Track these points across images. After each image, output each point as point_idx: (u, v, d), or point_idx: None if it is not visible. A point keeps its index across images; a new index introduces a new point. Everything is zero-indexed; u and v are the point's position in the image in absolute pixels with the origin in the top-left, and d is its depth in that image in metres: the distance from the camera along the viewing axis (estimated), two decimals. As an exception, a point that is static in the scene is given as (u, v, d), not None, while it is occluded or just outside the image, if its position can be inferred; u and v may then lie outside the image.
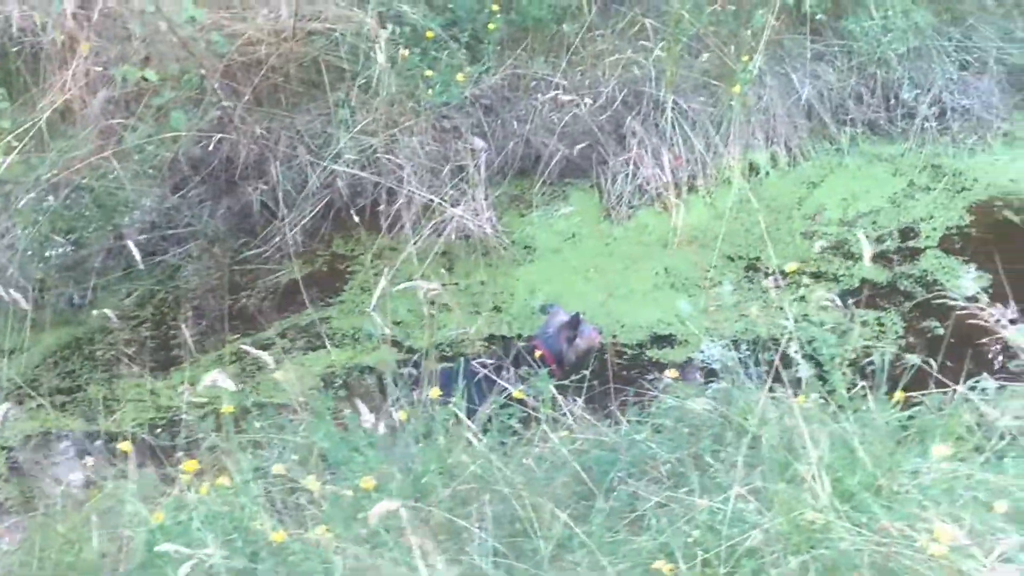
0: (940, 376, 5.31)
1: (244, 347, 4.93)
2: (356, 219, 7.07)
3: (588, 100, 7.59)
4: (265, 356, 4.69)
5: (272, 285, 7.10)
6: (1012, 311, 5.52)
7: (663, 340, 6.57)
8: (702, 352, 6.37)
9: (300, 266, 7.23)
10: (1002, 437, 4.68)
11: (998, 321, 5.59)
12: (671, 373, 5.05)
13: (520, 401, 4.97)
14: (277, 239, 7.30)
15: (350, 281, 7.14)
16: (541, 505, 4.02)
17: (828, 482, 3.76)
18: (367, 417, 4.43)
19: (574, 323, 5.96)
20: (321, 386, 6.30)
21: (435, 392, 4.65)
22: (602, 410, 5.50)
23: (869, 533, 3.64)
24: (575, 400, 5.35)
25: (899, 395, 4.93)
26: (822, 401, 4.67)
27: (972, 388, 5.25)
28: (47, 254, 6.92)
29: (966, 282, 5.53)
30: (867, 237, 7.05)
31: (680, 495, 4.10)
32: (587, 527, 3.99)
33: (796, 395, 4.64)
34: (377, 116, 7.32)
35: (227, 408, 4.74)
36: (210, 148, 7.13)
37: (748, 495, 3.89)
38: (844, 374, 4.87)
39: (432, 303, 6.51)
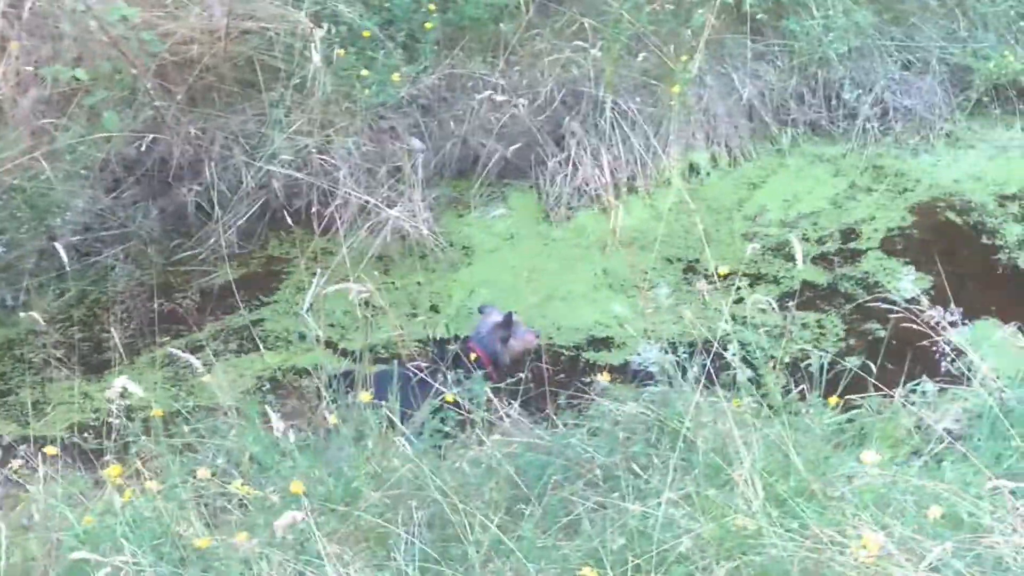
0: (879, 380, 5.32)
1: (173, 350, 4.83)
2: (290, 221, 6.97)
3: (525, 100, 7.51)
4: (194, 360, 4.61)
5: (206, 287, 6.99)
6: (953, 313, 5.51)
7: (600, 343, 6.52)
8: (638, 355, 6.30)
9: (235, 268, 7.11)
10: (940, 441, 4.67)
11: (938, 323, 5.58)
12: (604, 376, 5.00)
13: (456, 404, 4.92)
14: (212, 240, 7.18)
15: (285, 282, 7.05)
16: (472, 510, 3.95)
17: (760, 487, 3.70)
18: (278, 425, 4.36)
19: (507, 323, 5.89)
20: (255, 389, 6.22)
21: (366, 396, 4.57)
22: (539, 413, 5.47)
23: (801, 539, 3.58)
24: (511, 403, 5.30)
25: (834, 399, 4.90)
26: (757, 405, 4.64)
27: (912, 391, 5.24)
28: (-23, 255, 6.79)
29: (906, 284, 5.52)
30: (807, 239, 7.07)
31: (613, 499, 4.05)
32: (518, 532, 3.93)
33: (731, 399, 4.59)
34: (312, 116, 7.22)
35: (157, 412, 4.66)
36: (143, 149, 7.00)
37: (680, 500, 3.84)
38: (780, 377, 4.84)
39: (367, 304, 6.46)
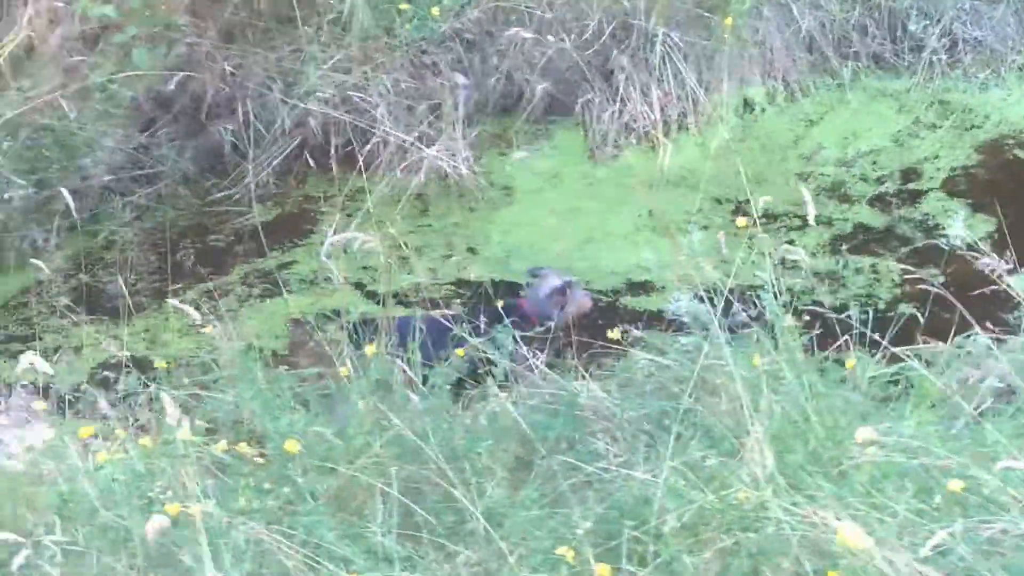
0: (936, 330, 5.05)
1: (174, 301, 4.67)
2: (328, 160, 6.82)
3: (572, 34, 7.21)
4: (191, 311, 4.44)
5: (240, 228, 6.83)
6: (1008, 261, 5.19)
7: (639, 287, 6.26)
8: (674, 302, 6.02)
9: (269, 208, 6.97)
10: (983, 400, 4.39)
11: (993, 271, 5.27)
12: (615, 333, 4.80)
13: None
14: (247, 180, 7.01)
15: (320, 223, 6.85)
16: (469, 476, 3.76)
17: (770, 456, 3.43)
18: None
19: (564, 290, 5.67)
20: (285, 329, 6.08)
21: (370, 348, 4.36)
22: (568, 363, 5.23)
23: (801, 515, 3.32)
24: (538, 353, 5.09)
25: (850, 363, 4.57)
26: (777, 362, 4.36)
27: (959, 346, 4.94)
28: (7, 196, 6.66)
29: (958, 228, 5.20)
30: (866, 179, 6.75)
31: (615, 468, 3.81)
32: (523, 494, 3.73)
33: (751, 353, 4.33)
34: (351, 52, 7.00)
35: (160, 363, 4.53)
36: (175, 86, 6.84)
37: (687, 468, 3.60)
38: (802, 328, 4.56)
39: (405, 246, 6.29)
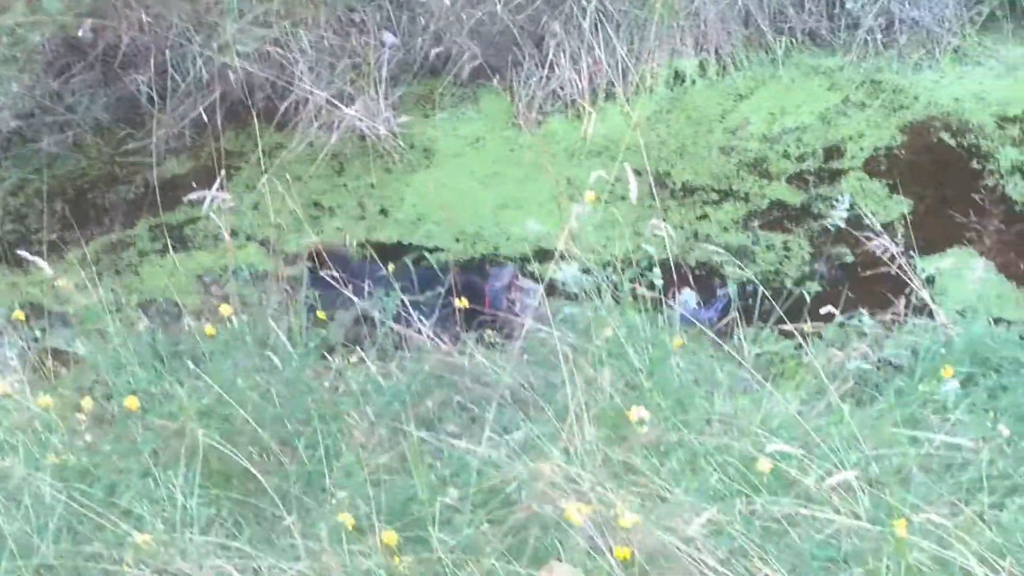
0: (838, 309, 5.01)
1: (23, 252, 4.56)
2: (248, 115, 6.70)
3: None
4: (41, 262, 4.33)
5: (152, 180, 6.71)
6: (899, 243, 5.15)
7: (548, 255, 6.16)
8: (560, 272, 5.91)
9: (184, 161, 6.87)
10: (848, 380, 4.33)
11: (889, 254, 5.23)
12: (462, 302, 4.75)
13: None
14: (163, 132, 6.90)
15: (235, 178, 6.74)
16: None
17: (590, 430, 3.36)
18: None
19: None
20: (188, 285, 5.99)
21: (225, 308, 4.26)
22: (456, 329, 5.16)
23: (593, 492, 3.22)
24: (423, 321, 5.01)
25: (679, 342, 4.50)
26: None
27: (841, 325, 4.89)
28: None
29: (839, 212, 5.13)
30: (787, 156, 6.66)
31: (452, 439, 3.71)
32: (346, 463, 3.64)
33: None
34: (273, 6, 6.88)
35: (18, 314, 4.43)
36: (88, 33, 6.71)
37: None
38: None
39: (316, 205, 6.21)
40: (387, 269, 5.23)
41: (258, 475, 3.33)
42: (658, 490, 3.15)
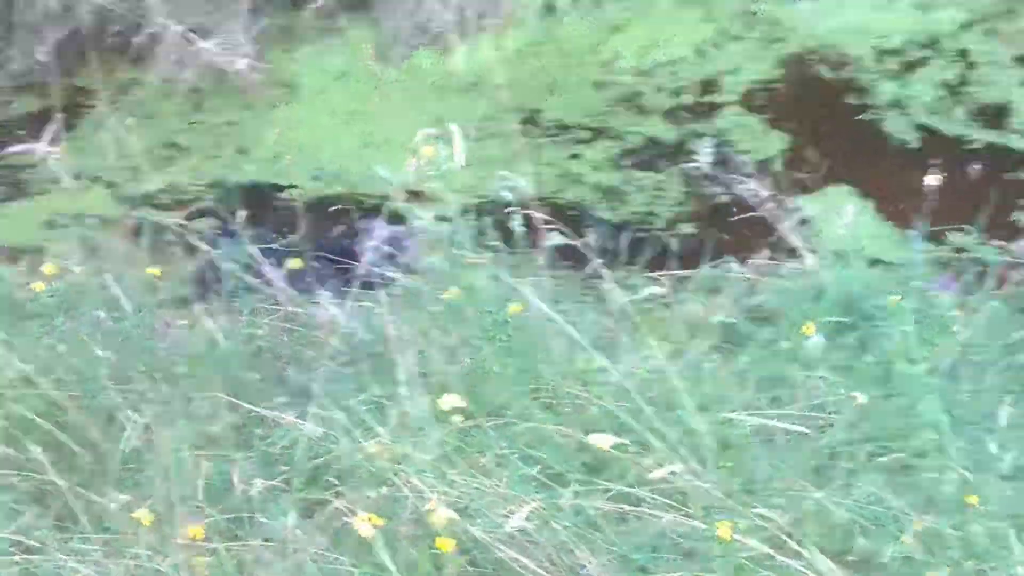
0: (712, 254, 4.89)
1: None
2: (102, 49, 6.37)
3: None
4: None
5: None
6: (774, 183, 5.00)
7: (412, 197, 5.93)
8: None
9: (33, 99, 6.50)
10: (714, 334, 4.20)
11: (756, 195, 5.09)
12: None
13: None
14: (11, 67, 6.52)
15: (86, 118, 6.40)
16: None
17: (425, 401, 3.15)
18: None
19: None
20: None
21: (48, 268, 3.99)
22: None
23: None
24: (276, 267, 4.76)
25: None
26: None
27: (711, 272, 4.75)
28: None
29: (704, 155, 4.98)
30: (662, 90, 6.48)
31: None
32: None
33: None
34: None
35: None
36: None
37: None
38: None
39: (171, 145, 5.92)
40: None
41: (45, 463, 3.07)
42: (482, 478, 2.95)
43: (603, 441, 2.96)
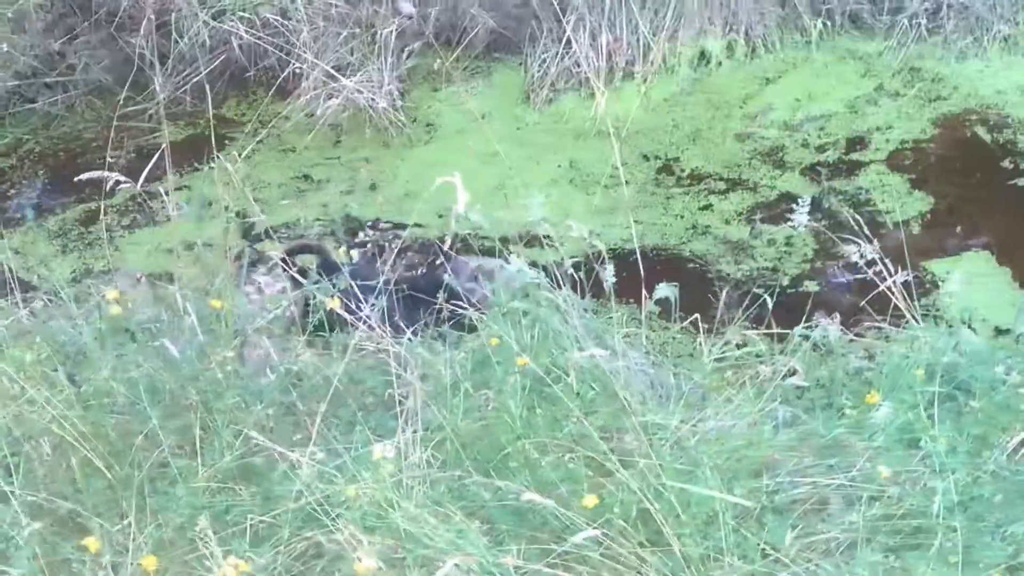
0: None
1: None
2: (251, 83, 6.52)
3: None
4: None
5: (145, 145, 6.54)
6: (874, 252, 4.76)
7: (536, 241, 5.87)
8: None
9: (182, 127, 6.69)
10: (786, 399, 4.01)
11: (852, 261, 4.86)
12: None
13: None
14: (165, 96, 6.71)
15: (228, 148, 6.53)
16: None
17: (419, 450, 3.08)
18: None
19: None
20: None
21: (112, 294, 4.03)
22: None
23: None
24: (373, 307, 4.75)
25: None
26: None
27: (803, 336, 4.55)
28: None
29: (800, 216, 4.79)
30: (807, 145, 6.31)
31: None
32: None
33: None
34: (280, -29, 6.67)
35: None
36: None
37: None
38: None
39: (305, 178, 6.00)
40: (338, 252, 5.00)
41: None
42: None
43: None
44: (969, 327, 5.13)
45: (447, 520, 2.86)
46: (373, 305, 4.73)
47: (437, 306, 4.64)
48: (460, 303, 4.62)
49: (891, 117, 6.60)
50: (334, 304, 3.85)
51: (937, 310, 5.28)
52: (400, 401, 3.43)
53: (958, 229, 5.84)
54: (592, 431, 3.24)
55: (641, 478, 3.18)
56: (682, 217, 5.99)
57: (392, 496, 2.84)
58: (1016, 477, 3.40)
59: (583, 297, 4.65)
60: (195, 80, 6.70)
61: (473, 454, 3.26)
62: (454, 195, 5.68)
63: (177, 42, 6.68)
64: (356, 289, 4.64)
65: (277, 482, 3.10)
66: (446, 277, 4.92)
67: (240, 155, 6.37)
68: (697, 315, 4.68)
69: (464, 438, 3.29)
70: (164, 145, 4.57)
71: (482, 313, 4.31)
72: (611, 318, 4.51)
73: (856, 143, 6.44)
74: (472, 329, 4.47)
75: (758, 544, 2.99)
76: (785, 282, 5.57)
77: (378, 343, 4.01)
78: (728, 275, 5.60)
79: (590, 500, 2.88)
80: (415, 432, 3.19)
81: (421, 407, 3.29)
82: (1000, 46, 7.05)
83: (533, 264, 4.66)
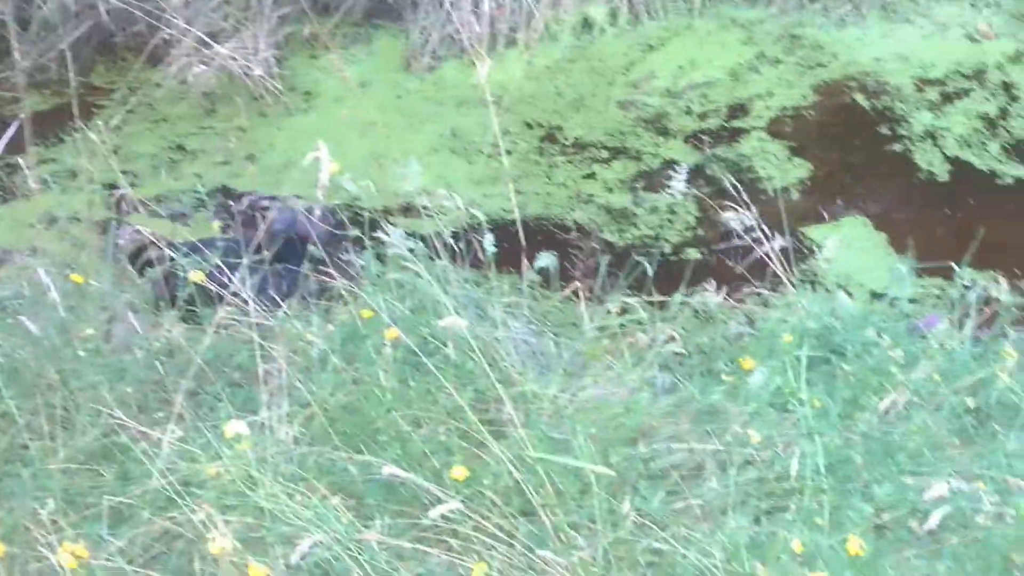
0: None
1: None
2: (120, 49, 6.34)
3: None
4: None
5: (9, 116, 6.31)
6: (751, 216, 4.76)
7: (414, 212, 5.78)
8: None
9: (48, 97, 6.49)
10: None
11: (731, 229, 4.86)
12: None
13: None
14: (28, 64, 6.49)
15: (96, 117, 6.33)
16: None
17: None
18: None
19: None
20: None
21: None
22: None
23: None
24: (243, 281, 4.64)
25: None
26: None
27: (682, 302, 4.53)
28: None
29: (679, 183, 4.79)
30: (690, 112, 6.30)
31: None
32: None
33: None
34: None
35: None
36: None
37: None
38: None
39: (179, 148, 5.86)
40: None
41: None
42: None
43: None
44: (847, 292, 5.14)
45: (313, 497, 2.78)
46: (243, 279, 4.63)
47: (306, 275, 4.57)
48: (332, 274, 4.54)
49: (772, 84, 6.60)
50: (198, 277, 3.73)
51: (815, 276, 5.29)
52: (266, 378, 3.34)
53: (837, 195, 5.86)
54: (464, 402, 3.17)
55: (513, 449, 3.13)
56: (565, 186, 5.95)
57: (255, 474, 2.75)
58: (886, 438, 3.41)
59: (463, 268, 4.60)
60: (61, 47, 6.48)
61: (343, 429, 3.18)
62: (341, 166, 5.60)
63: (40, 7, 6.46)
64: (228, 263, 4.55)
65: (137, 461, 2.99)
66: (312, 249, 4.84)
67: (108, 124, 6.20)
68: (577, 284, 4.66)
69: (334, 413, 3.21)
70: (22, 116, 4.41)
71: (352, 285, 4.24)
72: (491, 288, 4.45)
73: (738, 110, 6.44)
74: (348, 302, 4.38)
75: (628, 512, 2.95)
76: (667, 249, 5.55)
77: (246, 317, 3.91)
78: (611, 243, 5.57)
79: (459, 472, 2.81)
80: (280, 408, 3.10)
81: (287, 382, 3.20)
82: (878, 14, 7.07)
83: (412, 235, 4.59)
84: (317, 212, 4.86)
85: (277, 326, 3.80)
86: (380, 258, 4.33)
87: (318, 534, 2.60)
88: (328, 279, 4.39)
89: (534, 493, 2.92)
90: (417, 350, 3.48)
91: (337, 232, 4.96)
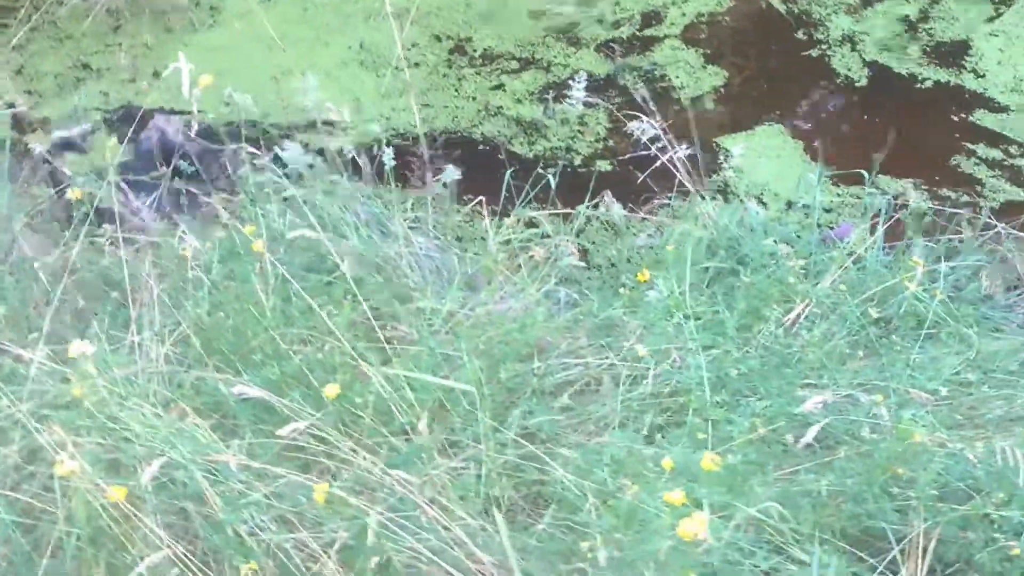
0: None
1: None
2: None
3: None
4: None
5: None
6: (656, 127, 4.67)
7: (323, 126, 5.65)
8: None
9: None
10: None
11: (638, 140, 4.78)
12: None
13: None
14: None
15: (-2, 36, 6.16)
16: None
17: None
18: None
19: None
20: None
21: None
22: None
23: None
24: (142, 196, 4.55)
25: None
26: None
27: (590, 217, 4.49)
28: None
29: (576, 93, 4.70)
30: (602, 21, 6.18)
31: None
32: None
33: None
34: None
35: None
36: None
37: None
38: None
39: (84, 67, 5.72)
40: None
41: None
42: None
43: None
44: (761, 202, 5.09)
45: (180, 418, 2.70)
46: (139, 196, 4.53)
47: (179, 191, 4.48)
48: (225, 193, 4.45)
49: (686, -11, 6.49)
50: (76, 194, 3.62)
51: (726, 185, 5.23)
52: (135, 296, 3.25)
53: (752, 103, 5.78)
54: (341, 321, 3.09)
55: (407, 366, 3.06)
56: (474, 99, 5.83)
57: (118, 393, 2.66)
58: (786, 351, 3.36)
59: (366, 183, 4.52)
60: (-42, -37, 6.29)
61: (220, 348, 3.09)
62: (239, 82, 5.47)
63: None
64: (127, 181, 4.45)
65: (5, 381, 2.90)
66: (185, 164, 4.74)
67: (11, 43, 6.04)
68: (483, 197, 4.58)
69: (210, 332, 3.12)
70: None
71: (231, 199, 4.16)
72: (391, 203, 4.37)
73: (651, 18, 6.32)
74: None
75: (510, 428, 2.89)
76: (578, 162, 5.46)
77: (130, 234, 3.81)
78: (520, 156, 5.47)
79: (331, 390, 2.74)
80: (153, 328, 3.01)
81: (158, 300, 3.10)
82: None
83: (318, 152, 4.51)
84: (194, 127, 4.74)
85: (148, 243, 3.71)
86: (287, 176, 4.25)
87: (171, 455, 2.52)
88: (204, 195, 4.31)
89: (402, 411, 2.86)
90: (298, 267, 3.41)
91: (214, 147, 4.84)
